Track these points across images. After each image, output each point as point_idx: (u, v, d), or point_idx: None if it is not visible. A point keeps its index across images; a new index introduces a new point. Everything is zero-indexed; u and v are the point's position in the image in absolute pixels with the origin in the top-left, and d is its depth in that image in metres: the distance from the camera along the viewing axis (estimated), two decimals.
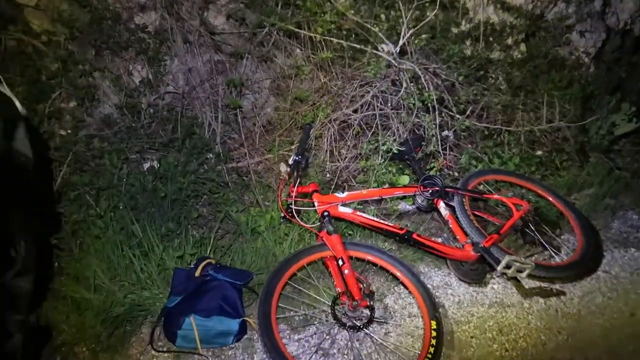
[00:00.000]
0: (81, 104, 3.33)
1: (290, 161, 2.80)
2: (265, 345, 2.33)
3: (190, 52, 3.60)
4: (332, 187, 3.35)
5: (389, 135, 3.45)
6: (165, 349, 2.48)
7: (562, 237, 3.30)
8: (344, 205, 2.92)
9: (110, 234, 2.91)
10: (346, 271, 2.57)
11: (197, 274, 2.65)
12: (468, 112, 3.56)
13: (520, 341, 2.58)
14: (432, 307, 2.55)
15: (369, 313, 2.54)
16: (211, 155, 3.63)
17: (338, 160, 3.53)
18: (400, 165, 3.58)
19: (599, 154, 4.09)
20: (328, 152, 3.57)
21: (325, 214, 2.81)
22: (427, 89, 3.33)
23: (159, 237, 2.93)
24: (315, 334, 2.59)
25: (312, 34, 3.31)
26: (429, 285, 2.91)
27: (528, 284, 2.93)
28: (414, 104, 3.35)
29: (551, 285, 2.93)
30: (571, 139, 3.91)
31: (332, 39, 3.32)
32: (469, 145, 3.78)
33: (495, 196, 3.22)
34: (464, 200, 3.13)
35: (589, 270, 3.05)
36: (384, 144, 3.38)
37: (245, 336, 2.57)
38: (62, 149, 3.17)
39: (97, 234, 2.90)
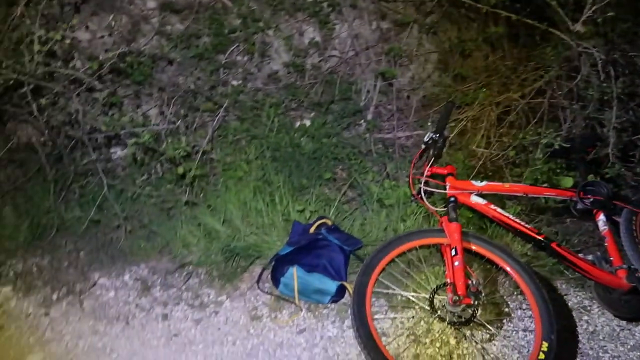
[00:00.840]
0: (252, 59, 3.63)
1: (426, 138, 2.66)
2: (353, 312, 2.32)
3: (359, 18, 3.63)
4: (473, 174, 3.08)
5: (553, 130, 3.01)
6: (268, 291, 2.64)
7: None
8: (479, 195, 2.67)
9: (251, 179, 3.18)
10: (456, 262, 2.37)
11: (311, 230, 2.74)
12: None
13: None
14: (549, 328, 2.20)
15: (471, 312, 2.32)
16: (363, 122, 3.66)
17: (490, 147, 3.23)
18: (564, 165, 3.10)
19: None
20: (480, 136, 3.30)
21: (452, 199, 2.61)
22: (612, 79, 2.79)
23: (292, 190, 3.10)
24: (413, 317, 2.48)
25: (480, 5, 3.02)
26: (559, 304, 2.52)
27: None
28: (592, 95, 2.84)
29: None
30: None
31: (502, 12, 2.98)
32: None
33: None
34: (634, 218, 2.60)
35: None
36: (545, 137, 2.96)
37: (342, 300, 2.59)
38: (230, 97, 3.53)
39: (240, 177, 3.20)
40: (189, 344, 2.38)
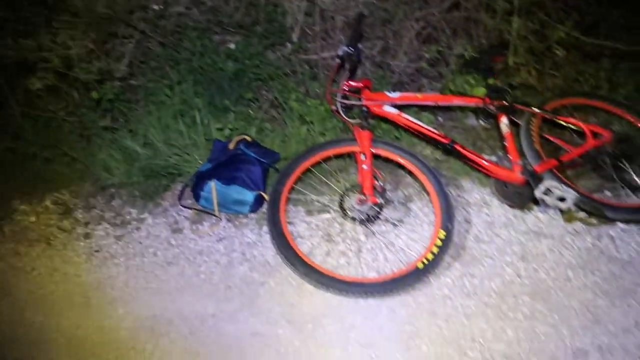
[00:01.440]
0: None
1: (340, 52, 2.71)
2: (268, 217, 2.45)
3: None
4: (390, 86, 3.18)
5: (465, 42, 3.10)
6: (189, 206, 2.72)
7: None
8: (394, 106, 2.77)
9: (174, 102, 3.17)
10: (364, 166, 2.50)
11: (230, 146, 2.80)
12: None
13: (541, 272, 2.33)
14: (447, 218, 2.40)
15: (377, 210, 2.48)
16: (288, 43, 3.65)
17: (408, 61, 3.31)
18: (477, 76, 3.23)
19: None
20: (402, 52, 3.37)
21: (364, 109, 2.71)
22: None
23: (214, 111, 3.12)
24: (327, 220, 2.63)
25: None
26: (464, 200, 2.72)
27: (585, 221, 2.57)
28: (500, 6, 2.93)
29: (610, 227, 2.53)
30: None
31: None
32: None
33: (572, 120, 2.78)
34: (532, 119, 2.78)
35: None
36: (457, 48, 3.07)
37: (262, 209, 2.70)
38: (152, 22, 3.43)
39: (163, 101, 3.18)
40: (111, 258, 2.46)
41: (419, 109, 3.09)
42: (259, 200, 2.67)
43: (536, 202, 2.55)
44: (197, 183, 2.71)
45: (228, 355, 2.07)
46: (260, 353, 2.07)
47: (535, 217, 2.62)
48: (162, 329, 2.16)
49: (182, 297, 2.29)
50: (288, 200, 2.56)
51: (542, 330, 2.09)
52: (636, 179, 2.67)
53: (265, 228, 2.58)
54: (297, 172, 2.60)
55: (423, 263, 2.27)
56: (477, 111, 2.99)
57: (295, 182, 2.60)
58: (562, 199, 2.37)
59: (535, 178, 2.49)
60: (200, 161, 2.90)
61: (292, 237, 2.44)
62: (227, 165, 2.72)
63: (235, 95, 3.24)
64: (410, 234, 2.55)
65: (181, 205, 2.74)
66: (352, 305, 2.24)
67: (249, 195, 2.63)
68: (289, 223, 2.53)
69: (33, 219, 2.73)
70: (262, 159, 2.75)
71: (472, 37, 3.17)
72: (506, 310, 2.18)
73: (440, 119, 3.28)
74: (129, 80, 3.31)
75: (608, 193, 2.71)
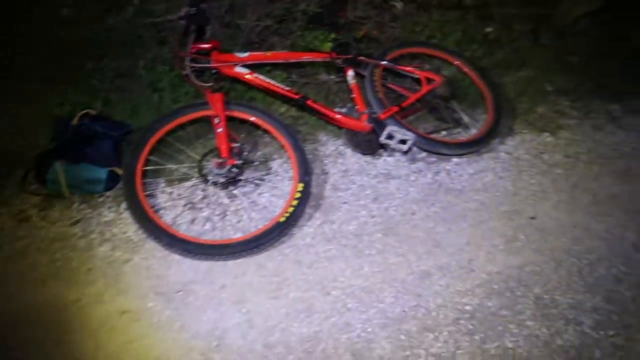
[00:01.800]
0: None
1: (181, 13, 2.62)
2: (125, 193, 2.38)
3: None
4: (239, 46, 3.16)
5: None
6: (35, 192, 2.52)
7: (482, 116, 3.15)
8: (244, 66, 2.78)
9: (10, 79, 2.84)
10: (219, 129, 2.51)
11: (73, 122, 2.61)
12: None
13: (391, 210, 2.58)
14: (304, 171, 2.52)
15: (237, 171, 2.52)
16: (129, 7, 3.42)
17: (256, 20, 3.30)
18: (325, 32, 3.34)
19: (553, 35, 3.78)
20: (250, 11, 3.34)
21: (214, 71, 2.69)
22: None
23: (51, 86, 2.86)
24: (189, 188, 2.61)
25: None
26: (321, 153, 2.87)
27: (427, 160, 2.87)
28: None
29: (446, 162, 2.85)
30: (521, 14, 3.61)
31: None
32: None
33: (408, 68, 3.04)
34: (375, 70, 2.97)
35: (491, 149, 2.96)
36: (300, 5, 3.13)
37: (119, 186, 2.59)
38: None
39: None
40: None
41: (272, 68, 3.13)
42: (113, 177, 2.56)
43: (384, 147, 2.78)
44: (41, 165, 2.51)
45: (97, 336, 2.03)
46: (131, 329, 2.06)
47: (384, 161, 2.86)
48: (27, 321, 2.05)
49: (41, 288, 2.17)
50: (145, 172, 2.50)
51: (393, 260, 2.35)
52: (462, 116, 3.02)
53: (124, 204, 2.49)
54: (151, 142, 2.53)
55: (285, 217, 2.38)
56: (327, 66, 3.10)
57: (151, 153, 2.54)
58: (403, 142, 2.61)
59: (379, 125, 2.70)
60: (43, 143, 2.67)
61: (153, 210, 2.40)
62: (72, 143, 2.54)
63: (73, 67, 2.99)
64: (272, 191, 2.64)
65: (26, 193, 2.53)
66: (221, 267, 2.30)
67: (101, 173, 2.51)
68: (149, 196, 2.47)
69: None
70: (111, 132, 2.62)
71: None
72: (362, 248, 2.39)
73: (294, 76, 3.35)
74: None
75: (444, 132, 3.03)
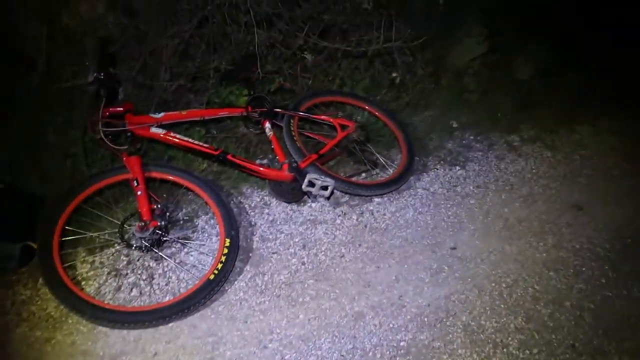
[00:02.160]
0: None
1: (89, 78, 2.60)
2: (41, 269, 2.25)
3: None
4: (154, 107, 3.16)
5: (219, 55, 3.26)
6: None
7: (397, 156, 3.33)
8: (160, 126, 2.78)
9: None
10: (139, 192, 2.47)
11: None
12: (307, 30, 3.40)
13: (320, 255, 2.63)
14: (229, 226, 2.53)
15: (160, 233, 2.47)
16: (35, 74, 3.32)
17: (169, 79, 3.32)
18: (241, 87, 3.43)
19: (451, 76, 4.13)
20: (162, 71, 3.36)
21: (129, 134, 2.67)
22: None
23: None
24: (112, 255, 2.52)
25: None
26: (247, 205, 2.89)
27: (350, 202, 2.97)
28: (245, 21, 3.15)
29: (369, 203, 2.98)
30: (421, 60, 3.92)
31: None
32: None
33: (323, 117, 3.18)
34: (291, 121, 3.07)
35: (409, 186, 3.13)
36: (211, 63, 3.21)
37: (35, 260, 2.45)
38: None
39: None
40: None
41: (190, 125, 3.15)
42: (27, 251, 2.42)
43: (307, 194, 2.86)
44: None
45: None
46: None
47: (310, 207, 2.93)
48: None
49: None
50: (62, 243, 2.38)
51: (327, 305, 2.38)
52: (379, 158, 3.19)
53: (41, 280, 2.35)
54: (67, 211, 2.44)
55: (214, 274, 2.36)
56: (244, 119, 3.17)
57: (68, 223, 2.43)
58: (324, 188, 2.70)
59: (300, 173, 2.79)
60: None
61: (74, 282, 2.29)
62: None
63: None
64: (199, 249, 2.61)
65: None
66: (152, 334, 2.22)
67: (12, 249, 2.36)
68: (69, 267, 2.35)
69: None
70: (19, 204, 2.49)
71: (225, 50, 3.34)
72: (296, 296, 2.41)
73: (214, 131, 3.39)
74: None
75: (363, 175, 3.17)
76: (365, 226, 2.84)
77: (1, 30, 3.13)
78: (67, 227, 2.42)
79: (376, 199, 3.02)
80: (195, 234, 2.69)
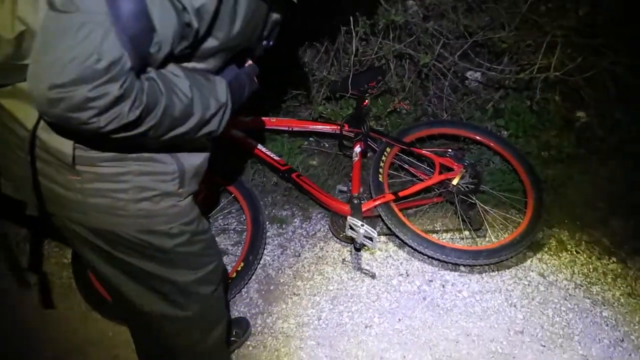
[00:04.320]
0: None
1: None
2: None
3: None
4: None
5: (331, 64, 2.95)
6: None
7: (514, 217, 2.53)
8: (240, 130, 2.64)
9: None
10: None
11: None
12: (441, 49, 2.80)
13: (345, 316, 2.10)
14: (254, 250, 2.23)
15: None
16: None
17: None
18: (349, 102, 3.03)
19: None
20: None
21: None
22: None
23: None
24: None
25: None
26: (304, 232, 2.54)
27: (424, 262, 2.35)
28: (363, 30, 2.77)
29: (448, 270, 2.29)
30: None
31: None
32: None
33: (424, 151, 2.58)
34: (387, 149, 2.59)
35: (519, 264, 2.30)
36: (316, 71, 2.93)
37: None
38: None
39: None
40: None
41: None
42: None
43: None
44: None
45: None
46: None
47: (371, 255, 2.40)
48: None
49: None
50: None
51: None
52: (484, 217, 2.43)
53: None
54: None
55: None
56: (337, 138, 2.80)
57: None
58: (369, 237, 2.14)
59: (357, 211, 2.28)
60: None
61: None
62: None
63: None
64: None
65: None
66: None
67: None
68: None
69: None
70: None
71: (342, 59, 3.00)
72: (283, 353, 1.96)
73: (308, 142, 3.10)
74: None
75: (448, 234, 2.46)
76: (424, 299, 2.17)
77: None
78: None
79: (462, 268, 2.30)
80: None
